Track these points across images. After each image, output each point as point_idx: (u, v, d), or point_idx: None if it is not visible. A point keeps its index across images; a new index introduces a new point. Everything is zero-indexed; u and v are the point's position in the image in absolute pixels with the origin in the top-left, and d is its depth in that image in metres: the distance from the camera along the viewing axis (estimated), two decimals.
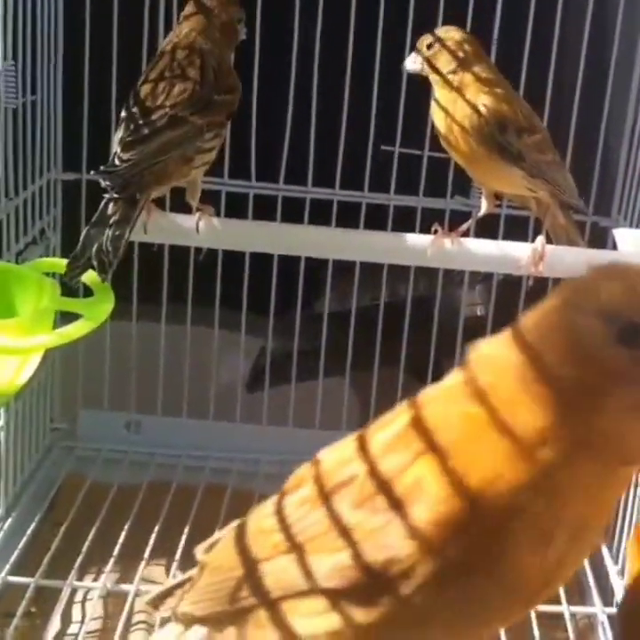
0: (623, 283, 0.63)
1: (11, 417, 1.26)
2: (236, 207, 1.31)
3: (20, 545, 1.20)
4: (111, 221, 1.01)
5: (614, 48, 1.25)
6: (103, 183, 1.03)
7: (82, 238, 1.01)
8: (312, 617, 0.67)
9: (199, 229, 1.11)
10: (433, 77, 1.10)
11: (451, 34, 1.10)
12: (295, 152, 1.30)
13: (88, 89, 1.29)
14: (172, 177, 1.08)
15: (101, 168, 1.04)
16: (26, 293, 0.99)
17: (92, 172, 1.08)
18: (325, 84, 1.20)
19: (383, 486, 0.65)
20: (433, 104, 1.11)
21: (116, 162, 1.04)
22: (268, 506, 0.74)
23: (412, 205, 1.33)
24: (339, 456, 0.72)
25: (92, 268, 1.00)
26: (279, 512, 0.72)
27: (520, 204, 1.19)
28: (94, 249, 1.00)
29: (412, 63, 1.11)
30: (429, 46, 1.09)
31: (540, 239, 1.10)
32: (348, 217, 1.25)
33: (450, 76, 1.08)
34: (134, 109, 1.08)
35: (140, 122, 1.06)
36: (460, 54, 1.09)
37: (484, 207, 1.16)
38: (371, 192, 1.32)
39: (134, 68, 1.15)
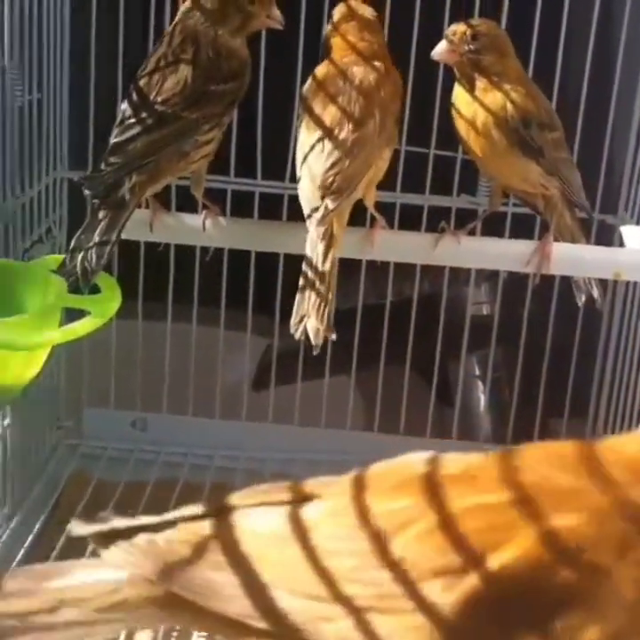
0: None
1: (17, 415, 1.26)
2: (241, 205, 1.31)
3: (26, 543, 1.21)
4: (99, 228, 1.00)
5: (621, 45, 1.24)
6: (84, 191, 1.02)
7: (71, 245, 1.00)
8: None
9: (205, 228, 1.11)
10: (463, 69, 1.09)
11: (493, 28, 1.09)
12: None
13: (94, 86, 1.28)
14: (167, 174, 1.06)
15: (85, 174, 1.03)
16: (33, 290, 1.00)
17: (76, 179, 1.07)
18: None
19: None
20: (457, 95, 1.10)
21: (102, 166, 1.02)
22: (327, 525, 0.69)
23: (419, 203, 1.33)
24: (392, 506, 0.67)
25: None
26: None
27: (527, 202, 1.19)
28: (80, 257, 0.99)
29: (448, 53, 1.08)
30: (474, 37, 1.07)
31: (547, 237, 1.10)
32: (354, 215, 1.25)
33: (488, 71, 1.07)
34: (127, 105, 1.05)
35: (129, 121, 1.04)
36: (500, 50, 1.08)
37: (491, 205, 1.16)
38: (377, 190, 1.32)
39: (141, 65, 1.14)
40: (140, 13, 1.26)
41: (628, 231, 1.15)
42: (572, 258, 1.10)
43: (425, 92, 1.25)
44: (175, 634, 1.15)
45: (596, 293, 1.16)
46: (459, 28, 1.08)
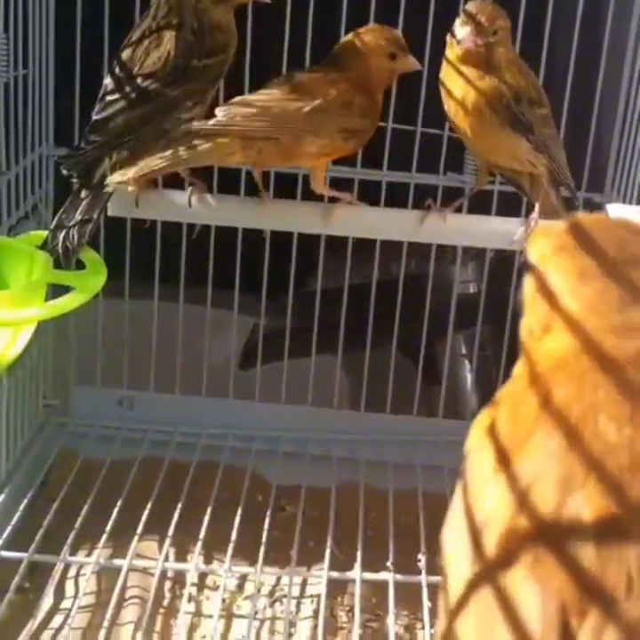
0: None
1: (3, 394, 1.26)
2: (228, 183, 1.31)
3: (13, 520, 1.21)
4: (80, 207, 0.99)
5: (607, 23, 1.24)
6: (62, 170, 1.01)
7: (53, 224, 1.00)
8: None
9: (191, 204, 1.10)
10: (469, 57, 1.06)
11: (508, 22, 1.06)
12: None
13: (80, 63, 1.28)
14: (149, 152, 1.03)
15: (65, 153, 1.02)
16: (18, 266, 0.99)
17: (56, 157, 1.06)
18: (319, 59, 1.19)
19: None
20: (446, 73, 1.09)
21: (83, 144, 1.01)
22: None
23: (405, 181, 1.33)
24: None
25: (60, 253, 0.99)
26: None
27: (512, 181, 1.19)
28: (62, 236, 0.98)
29: (474, 43, 1.04)
30: (495, 32, 1.05)
31: (533, 214, 1.10)
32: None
33: (493, 60, 1.06)
34: (109, 79, 1.04)
35: (110, 97, 1.03)
36: (507, 42, 1.07)
37: (478, 182, 1.16)
38: (363, 168, 1.32)
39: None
40: None
41: (614, 209, 1.15)
42: None
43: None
44: (164, 606, 1.16)
45: None
46: (482, 18, 1.05)
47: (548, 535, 0.56)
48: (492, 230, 1.11)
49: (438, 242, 1.21)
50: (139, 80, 1.03)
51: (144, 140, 1.03)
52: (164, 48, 1.04)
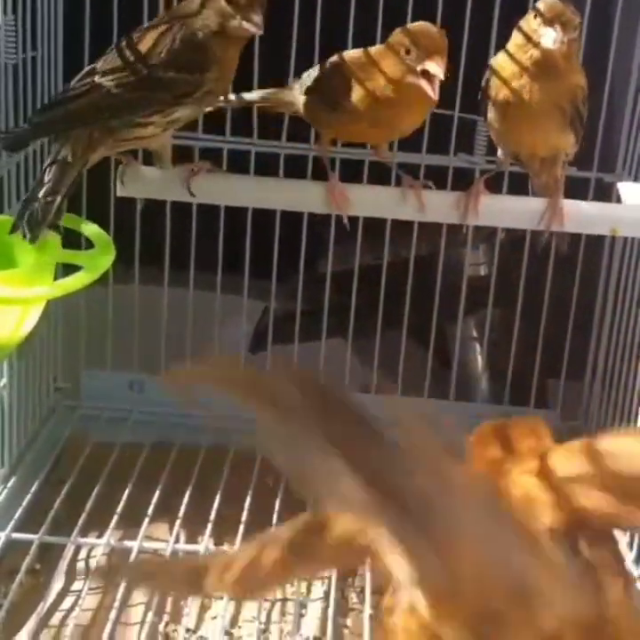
0: None
1: (14, 376, 1.27)
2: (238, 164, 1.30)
3: (24, 503, 1.21)
4: (44, 189, 0.99)
5: (619, 2, 1.24)
6: None
7: (22, 201, 1.00)
8: None
9: (189, 188, 1.09)
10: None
11: (576, 16, 1.04)
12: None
13: (88, 45, 1.27)
14: (101, 145, 1.02)
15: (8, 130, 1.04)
16: (26, 245, 0.99)
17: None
18: (323, 40, 1.19)
19: None
20: (503, 66, 1.07)
21: (25, 124, 1.03)
22: None
23: (416, 162, 1.32)
24: None
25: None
26: None
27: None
28: (26, 215, 0.98)
29: (559, 43, 1.01)
30: (575, 28, 1.03)
31: (557, 194, 1.09)
32: (350, 173, 1.24)
33: (568, 57, 1.04)
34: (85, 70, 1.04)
35: (71, 84, 1.03)
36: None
37: (502, 164, 1.15)
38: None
39: (135, 24, 1.13)
40: None
41: (625, 188, 1.15)
42: (570, 214, 1.10)
43: None
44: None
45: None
46: (566, 18, 1.02)
47: None
48: (516, 210, 1.11)
49: (465, 222, 1.19)
50: (97, 76, 1.02)
51: (95, 133, 1.02)
52: (137, 51, 1.03)
